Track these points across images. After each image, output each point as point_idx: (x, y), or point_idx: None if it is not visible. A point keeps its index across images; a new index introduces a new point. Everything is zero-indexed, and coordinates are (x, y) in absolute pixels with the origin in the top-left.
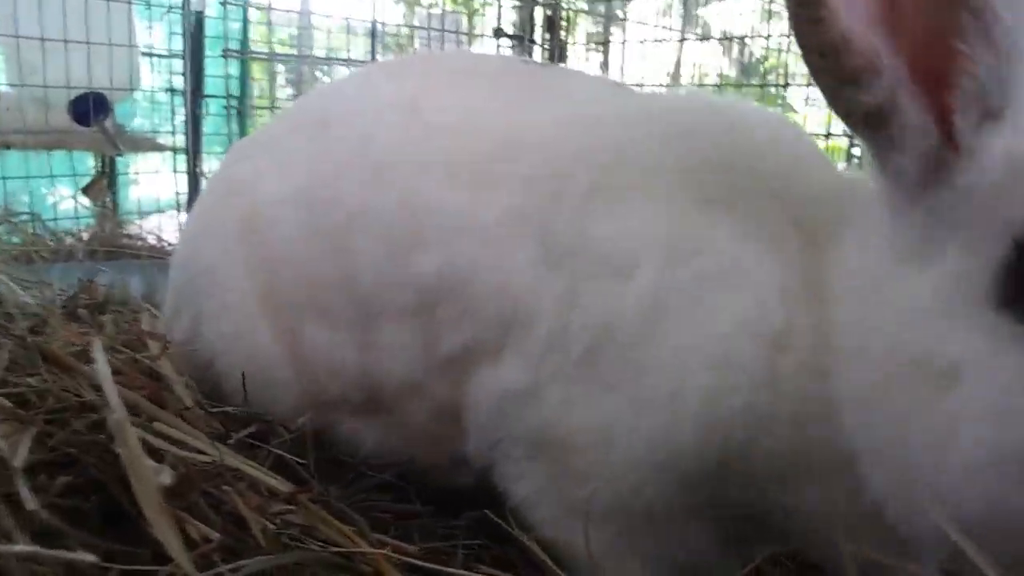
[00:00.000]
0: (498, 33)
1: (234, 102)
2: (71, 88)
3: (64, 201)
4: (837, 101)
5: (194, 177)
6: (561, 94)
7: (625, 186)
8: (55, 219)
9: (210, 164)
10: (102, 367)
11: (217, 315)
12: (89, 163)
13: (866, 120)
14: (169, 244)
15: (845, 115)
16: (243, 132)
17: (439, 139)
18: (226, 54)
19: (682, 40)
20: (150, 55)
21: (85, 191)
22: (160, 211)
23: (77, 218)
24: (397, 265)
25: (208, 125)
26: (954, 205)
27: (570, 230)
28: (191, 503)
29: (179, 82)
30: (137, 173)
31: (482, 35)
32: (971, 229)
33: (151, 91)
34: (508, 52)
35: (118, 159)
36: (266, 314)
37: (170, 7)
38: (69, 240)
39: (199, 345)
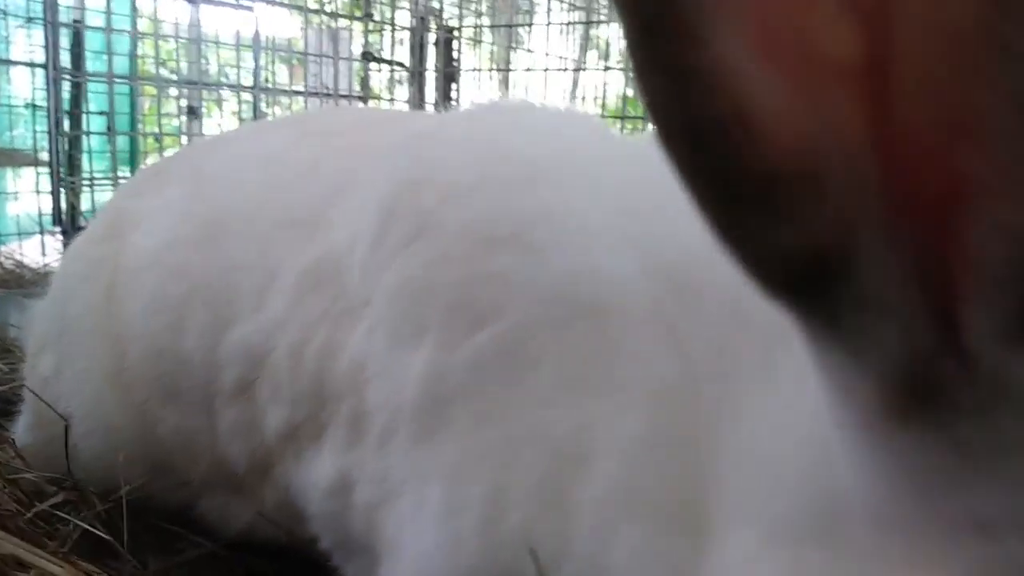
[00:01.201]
0: (366, 56)
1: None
2: None
3: None
4: (731, 236)
5: (57, 198)
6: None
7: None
8: None
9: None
10: None
11: (75, 376)
12: None
13: (788, 275)
14: (29, 271)
15: (754, 265)
16: (132, 152)
17: (275, 195)
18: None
19: (577, 70)
20: (7, 63)
21: None
22: (42, 231)
23: None
24: (218, 339)
25: (96, 143)
26: (965, 459)
27: (362, 279)
28: None
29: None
30: (17, 191)
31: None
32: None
33: (20, 105)
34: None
35: None
36: (116, 390)
37: (29, 18)
38: None
39: (59, 393)
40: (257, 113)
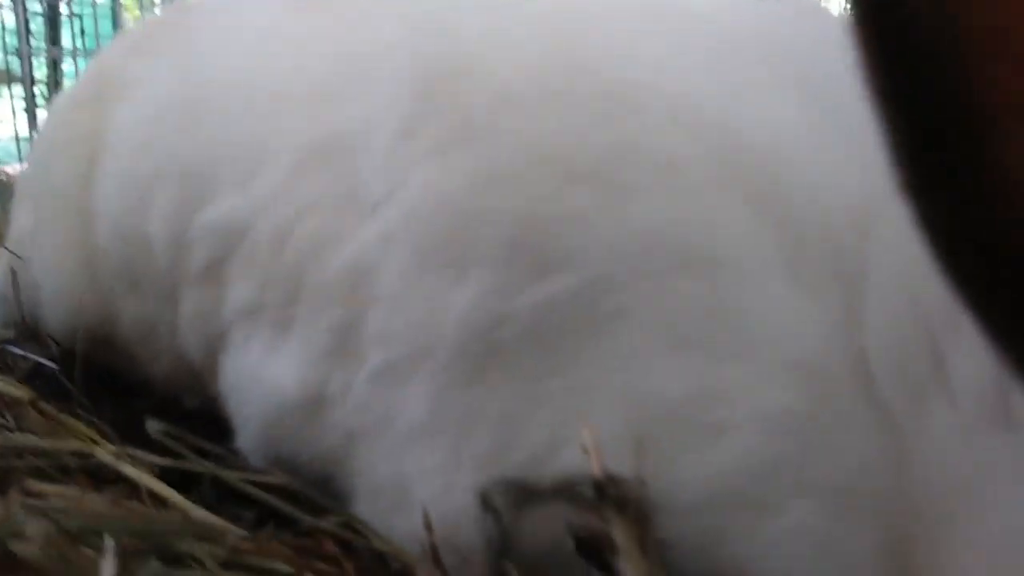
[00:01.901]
0: None
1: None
2: None
3: None
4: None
5: (32, 114)
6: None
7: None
8: None
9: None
10: None
11: (49, 245)
12: None
13: None
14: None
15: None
16: None
17: (273, 67)
18: None
19: None
20: None
21: None
22: (19, 151)
23: None
24: (188, 220)
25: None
26: None
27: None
28: None
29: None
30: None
31: None
32: None
33: None
34: None
35: None
36: (84, 272)
37: None
38: None
39: (31, 255)
40: None
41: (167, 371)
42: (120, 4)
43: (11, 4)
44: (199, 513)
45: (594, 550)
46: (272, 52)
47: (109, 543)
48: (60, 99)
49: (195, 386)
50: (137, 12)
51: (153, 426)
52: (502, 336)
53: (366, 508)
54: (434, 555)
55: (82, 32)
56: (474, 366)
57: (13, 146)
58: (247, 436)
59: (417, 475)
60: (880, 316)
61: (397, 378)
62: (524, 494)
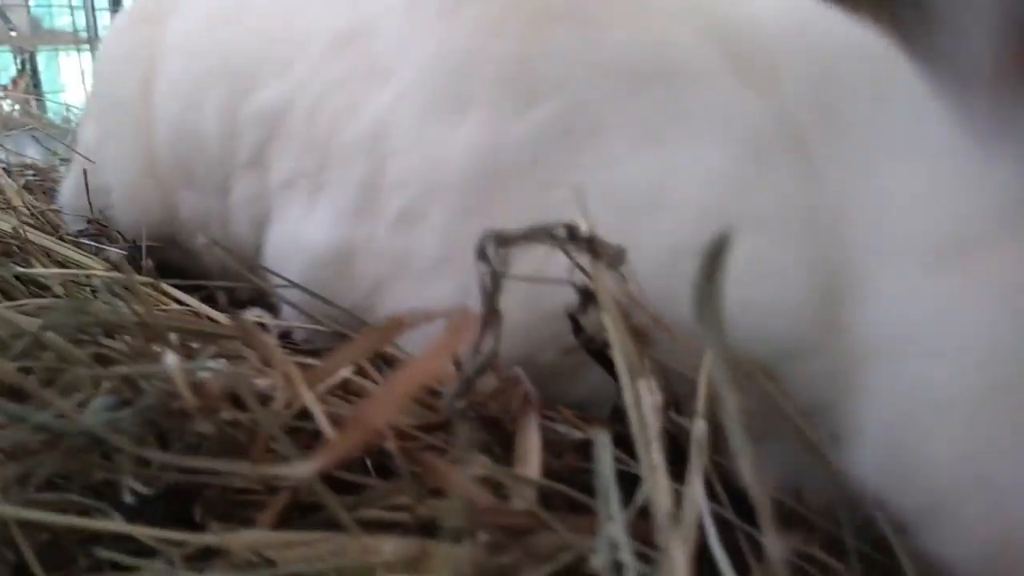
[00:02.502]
0: None
1: None
2: None
3: None
4: None
5: None
6: None
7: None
8: None
9: None
10: None
11: (115, 152)
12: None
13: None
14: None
15: None
16: None
17: None
18: None
19: None
20: None
21: (7, 89)
22: None
23: None
24: (236, 111)
25: None
26: None
27: (400, 44)
28: None
29: None
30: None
31: None
32: None
33: None
34: None
35: (44, 61)
36: (146, 172)
37: None
38: None
39: (100, 162)
40: None
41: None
42: None
43: None
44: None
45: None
46: None
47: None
48: (119, 17)
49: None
50: None
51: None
52: (499, 165)
53: None
54: None
55: None
56: (476, 196)
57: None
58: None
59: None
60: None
61: (413, 220)
62: (508, 239)
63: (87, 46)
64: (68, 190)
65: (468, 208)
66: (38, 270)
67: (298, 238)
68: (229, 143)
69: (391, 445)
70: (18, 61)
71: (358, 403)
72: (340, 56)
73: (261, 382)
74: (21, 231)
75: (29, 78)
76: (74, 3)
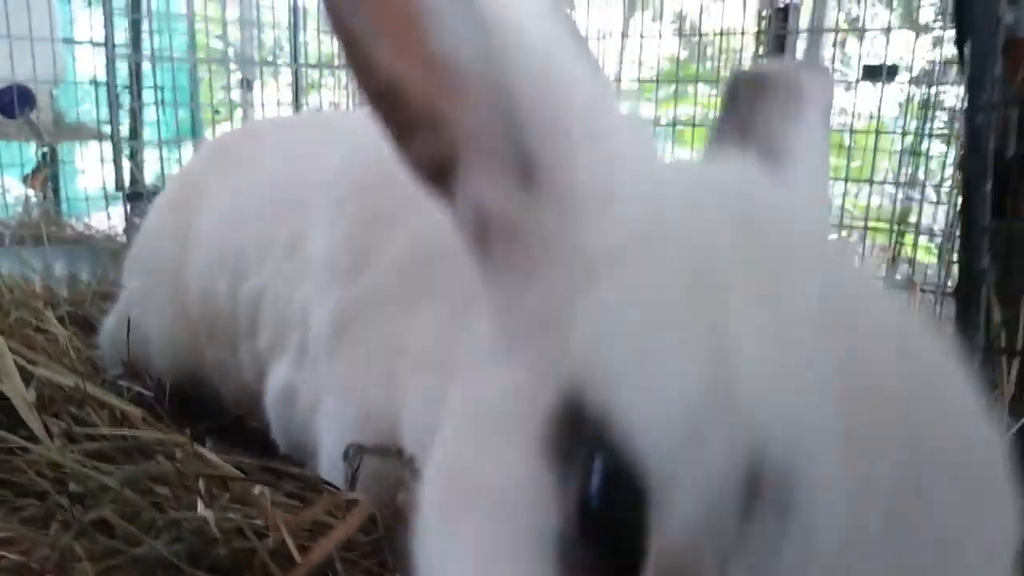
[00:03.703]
0: None
1: (166, 95)
2: None
3: (13, 191)
4: (400, 154)
5: (119, 169)
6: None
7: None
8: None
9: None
10: None
11: (155, 305)
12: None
13: (427, 174)
14: (97, 231)
15: (411, 169)
16: (193, 122)
17: (278, 187)
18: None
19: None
20: (71, 43)
21: (28, 181)
22: (107, 203)
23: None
24: (236, 293)
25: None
26: (511, 297)
27: (312, 247)
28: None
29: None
30: (83, 167)
31: None
32: (532, 343)
33: (85, 82)
34: None
35: (64, 149)
36: (180, 324)
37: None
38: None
39: (140, 311)
40: (299, 87)
41: (235, 396)
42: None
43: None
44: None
45: None
46: (275, 171)
47: None
48: (159, 199)
49: (255, 409)
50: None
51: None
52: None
53: (316, 463)
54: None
55: (160, 89)
56: (331, 346)
57: (100, 197)
58: (274, 428)
59: (321, 432)
60: None
61: (315, 361)
62: (360, 450)
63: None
64: (108, 335)
65: (328, 354)
66: (103, 429)
67: (272, 382)
68: (233, 314)
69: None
70: (39, 153)
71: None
72: (287, 258)
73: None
74: (80, 385)
75: (48, 172)
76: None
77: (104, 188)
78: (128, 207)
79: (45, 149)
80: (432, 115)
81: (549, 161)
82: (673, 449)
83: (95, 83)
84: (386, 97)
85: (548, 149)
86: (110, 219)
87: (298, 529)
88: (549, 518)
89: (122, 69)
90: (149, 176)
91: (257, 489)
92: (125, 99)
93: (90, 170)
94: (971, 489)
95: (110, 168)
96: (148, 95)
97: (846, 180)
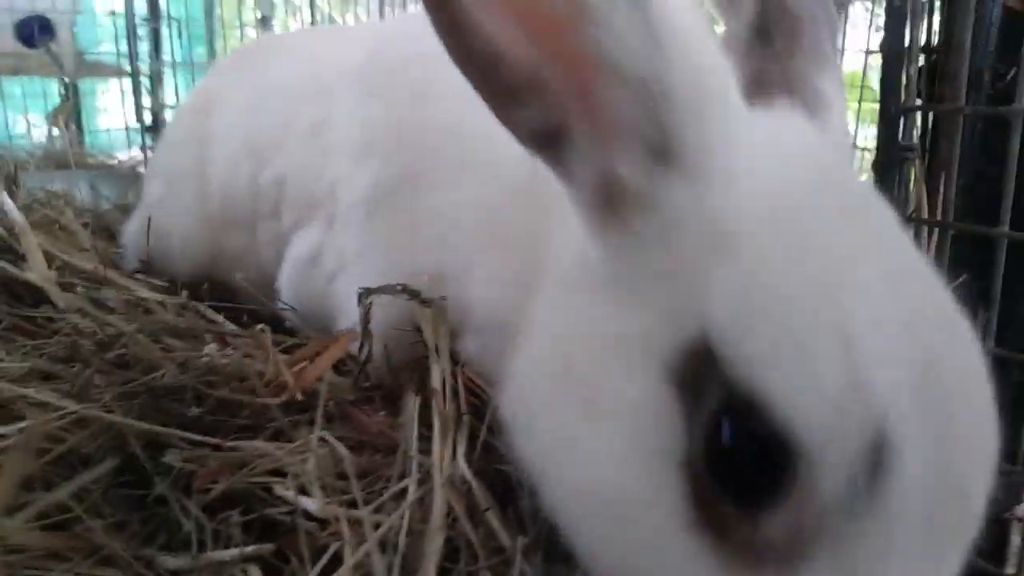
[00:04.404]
0: None
1: (180, 25)
2: (14, 12)
3: (39, 128)
4: (501, 117)
5: (139, 101)
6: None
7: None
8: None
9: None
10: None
11: (176, 205)
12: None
13: (535, 141)
14: (119, 161)
15: (514, 133)
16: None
17: (300, 79)
18: None
19: None
20: None
21: (51, 118)
22: (129, 141)
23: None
24: (258, 178)
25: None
26: (640, 253)
27: (338, 129)
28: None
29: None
30: (105, 104)
31: None
32: (660, 290)
33: (104, 14)
34: None
35: (86, 87)
36: (200, 219)
37: None
38: (22, 156)
39: (162, 212)
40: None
41: (254, 282)
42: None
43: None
44: None
45: None
46: (295, 68)
47: None
48: (179, 109)
49: (268, 294)
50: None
51: None
52: (376, 195)
53: (343, 320)
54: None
55: (176, 21)
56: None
57: (122, 134)
58: (289, 297)
59: (347, 297)
60: None
61: (346, 226)
62: (372, 291)
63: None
64: (129, 236)
65: (363, 221)
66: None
67: (294, 252)
68: (255, 200)
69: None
70: (61, 90)
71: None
72: (312, 140)
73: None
74: (100, 269)
75: (72, 107)
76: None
77: (126, 126)
78: (147, 138)
79: (67, 85)
80: (536, 82)
81: (689, 141)
82: (817, 419)
83: (113, 14)
84: (485, 60)
85: (690, 131)
86: (131, 153)
87: (293, 364)
88: (676, 441)
89: (140, 8)
90: (167, 111)
91: (259, 326)
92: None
93: (112, 108)
94: (986, 433)
95: (131, 105)
96: (166, 31)
97: None
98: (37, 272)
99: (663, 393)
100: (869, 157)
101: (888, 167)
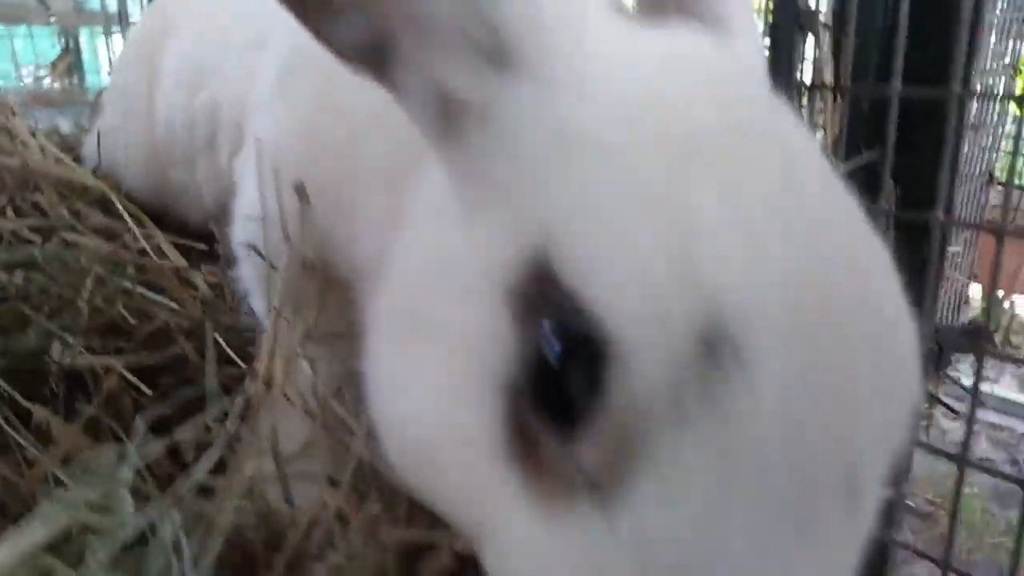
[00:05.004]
0: None
1: None
2: None
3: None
4: (317, 33)
5: None
6: None
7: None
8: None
9: None
10: None
11: (128, 134)
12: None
13: (358, 56)
14: None
15: (337, 53)
16: None
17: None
18: None
19: None
20: None
21: (50, 68)
22: None
23: None
24: (191, 107)
25: None
26: (480, 169)
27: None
28: None
29: None
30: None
31: None
32: (502, 207)
33: None
34: None
35: (86, 43)
36: (149, 152)
37: None
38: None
39: (115, 139)
40: None
41: (196, 217)
42: None
43: None
44: None
45: None
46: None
47: None
48: (132, 33)
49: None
50: None
51: None
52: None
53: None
54: None
55: None
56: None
57: None
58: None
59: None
60: None
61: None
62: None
63: (118, 29)
64: (89, 151)
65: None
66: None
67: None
68: (191, 132)
69: None
70: (61, 42)
71: None
72: (247, 56)
73: None
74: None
75: (71, 59)
76: None
77: None
78: None
79: (67, 36)
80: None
81: (527, 45)
82: (633, 312)
83: None
84: None
85: (526, 33)
86: None
87: None
88: (507, 365)
89: None
90: None
91: None
92: None
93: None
94: (888, 369)
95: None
96: None
97: None
98: None
99: (499, 315)
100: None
101: (785, 31)
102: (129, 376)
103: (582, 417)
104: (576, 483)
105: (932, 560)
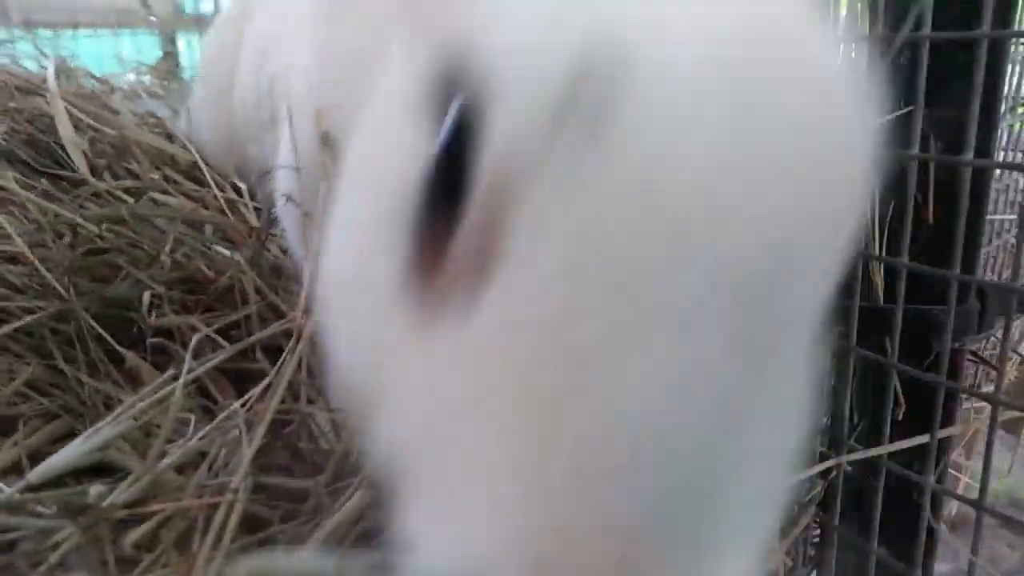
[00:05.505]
0: None
1: None
2: None
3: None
4: None
5: None
6: None
7: None
8: None
9: None
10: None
11: (211, 113)
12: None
13: None
14: None
15: None
16: None
17: None
18: None
19: None
20: None
21: (152, 72)
22: None
23: None
24: (256, 87)
25: None
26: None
27: None
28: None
29: None
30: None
31: None
32: (432, 24)
33: None
34: None
35: (188, 49)
36: (227, 132)
37: None
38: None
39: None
40: None
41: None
42: None
43: None
44: None
45: None
46: None
47: None
48: (219, 17)
49: None
50: None
51: None
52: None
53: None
54: None
55: None
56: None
57: None
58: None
59: None
60: None
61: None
62: None
63: None
64: (180, 130)
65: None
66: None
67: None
68: (257, 112)
69: None
70: (162, 45)
71: None
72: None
73: None
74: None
75: (173, 61)
76: None
77: None
78: None
79: (166, 42)
80: None
81: None
82: (505, 45)
83: None
84: None
85: None
86: None
87: None
88: (412, 183)
89: None
90: None
91: None
92: None
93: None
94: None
95: None
96: None
97: None
98: (67, 139)
99: (404, 132)
100: None
101: None
102: (211, 333)
103: (464, 202)
104: (455, 290)
105: None
